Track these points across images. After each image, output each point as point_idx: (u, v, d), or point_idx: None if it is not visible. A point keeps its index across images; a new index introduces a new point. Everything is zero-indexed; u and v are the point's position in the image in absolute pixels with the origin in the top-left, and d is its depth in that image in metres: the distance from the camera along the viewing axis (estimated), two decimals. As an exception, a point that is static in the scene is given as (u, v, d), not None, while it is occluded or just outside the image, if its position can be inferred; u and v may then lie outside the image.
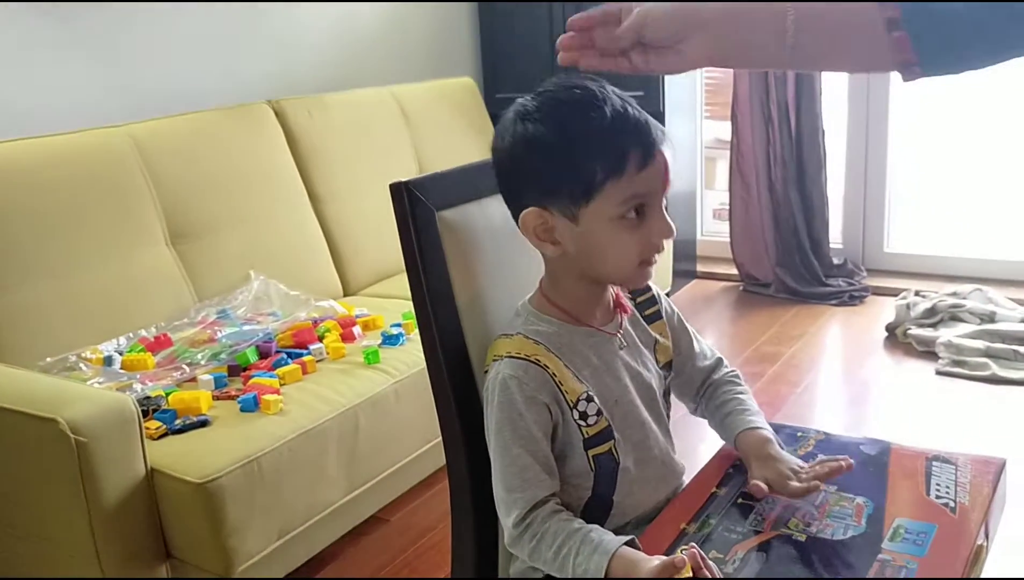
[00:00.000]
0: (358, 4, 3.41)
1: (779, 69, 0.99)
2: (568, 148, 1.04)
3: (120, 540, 1.72)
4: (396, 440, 2.15)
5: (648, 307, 1.25)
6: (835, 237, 4.01)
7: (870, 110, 3.88)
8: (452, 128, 3.39)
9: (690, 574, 0.94)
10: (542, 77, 1.14)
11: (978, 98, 3.91)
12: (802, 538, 1.04)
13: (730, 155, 3.95)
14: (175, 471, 1.75)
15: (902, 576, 0.97)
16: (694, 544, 1.01)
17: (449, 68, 3.81)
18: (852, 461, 1.12)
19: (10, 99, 2.38)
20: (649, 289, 1.26)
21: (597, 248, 1.08)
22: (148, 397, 1.96)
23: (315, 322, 2.38)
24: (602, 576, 0.99)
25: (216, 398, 2.01)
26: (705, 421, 1.31)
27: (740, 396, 1.26)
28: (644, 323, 1.23)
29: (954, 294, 3.46)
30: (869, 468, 1.17)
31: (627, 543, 1.01)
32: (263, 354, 2.21)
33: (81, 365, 2.05)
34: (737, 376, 1.31)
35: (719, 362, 1.31)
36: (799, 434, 1.28)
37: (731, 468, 1.20)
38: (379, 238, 2.86)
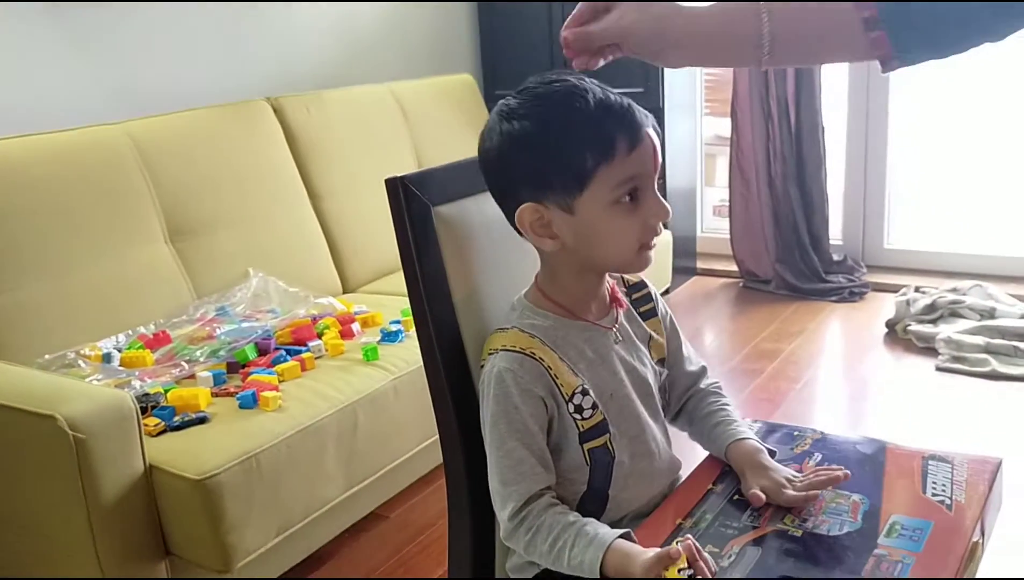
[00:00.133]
0: (358, 3, 3.40)
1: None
2: (555, 140, 1.05)
3: (119, 537, 1.72)
4: (395, 437, 2.15)
5: (644, 304, 1.25)
6: (835, 233, 4.01)
7: (870, 106, 3.88)
8: (451, 125, 3.39)
9: (685, 565, 0.94)
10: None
11: (978, 95, 3.91)
12: (798, 533, 1.04)
13: (730, 152, 3.94)
14: (174, 468, 1.75)
15: (898, 571, 0.97)
16: (689, 536, 1.01)
17: (449, 65, 3.81)
18: (849, 472, 1.12)
19: (9, 97, 2.38)
20: (645, 286, 1.26)
21: (595, 236, 1.08)
22: (147, 394, 1.96)
23: (314, 319, 2.39)
24: (597, 569, 0.99)
25: (215, 395, 2.01)
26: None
27: (727, 407, 1.26)
28: (639, 319, 1.23)
29: (954, 290, 3.46)
30: (865, 467, 1.17)
31: (622, 536, 1.01)
32: (262, 351, 2.21)
33: (80, 362, 2.05)
34: (720, 387, 1.31)
35: (703, 371, 1.31)
36: (795, 433, 1.27)
37: (727, 466, 1.20)
38: (378, 235, 2.86)
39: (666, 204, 1.08)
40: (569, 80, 1.07)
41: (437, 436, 1.22)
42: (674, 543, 0.97)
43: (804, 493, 1.09)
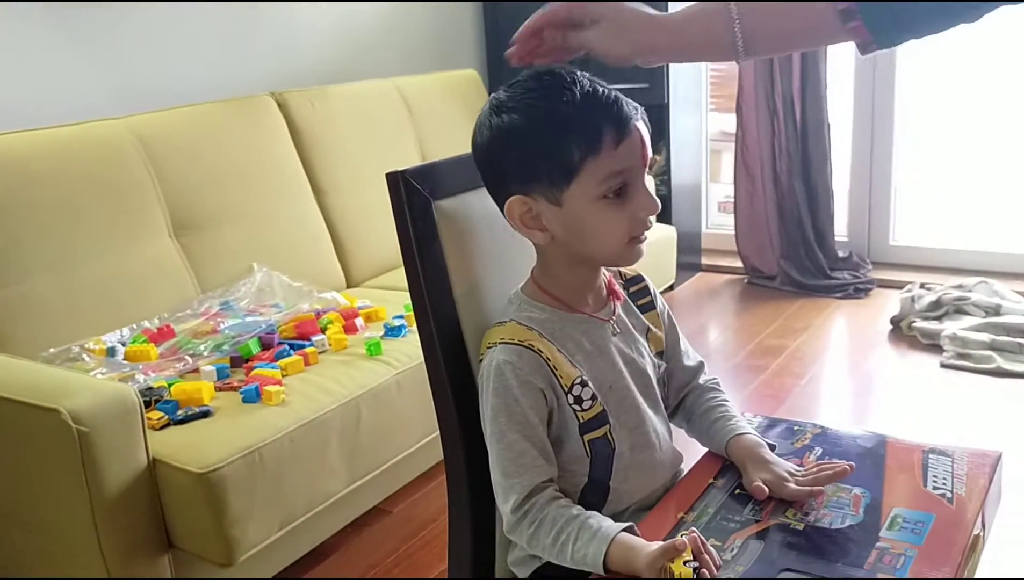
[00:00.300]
0: (361, 3, 3.40)
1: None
2: (542, 133, 1.05)
3: (122, 530, 1.73)
4: (398, 431, 2.16)
5: (641, 297, 1.25)
6: (840, 230, 4.00)
7: (875, 102, 3.87)
8: (456, 121, 3.39)
9: (690, 557, 0.94)
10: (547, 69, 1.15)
11: (983, 91, 3.90)
12: (800, 527, 1.04)
13: (735, 148, 3.94)
14: (177, 461, 1.76)
15: (900, 564, 0.96)
16: (694, 529, 1.01)
17: (453, 61, 3.81)
18: (853, 464, 1.12)
19: (13, 92, 2.39)
20: (643, 280, 1.26)
21: (584, 230, 1.08)
22: (151, 388, 1.97)
23: (317, 314, 2.39)
24: (601, 563, 0.99)
25: (218, 389, 2.01)
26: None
27: (726, 403, 1.26)
28: (637, 311, 1.23)
29: (959, 287, 3.45)
30: (866, 461, 1.17)
31: (626, 530, 1.01)
32: (265, 345, 2.21)
33: (84, 356, 2.05)
34: (718, 383, 1.31)
35: (701, 366, 1.30)
36: (796, 427, 1.27)
37: (727, 461, 1.20)
38: (382, 230, 2.83)
39: (655, 197, 1.08)
40: (560, 72, 1.07)
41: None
42: (679, 535, 0.97)
43: (808, 488, 1.09)
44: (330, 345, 2.24)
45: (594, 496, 1.14)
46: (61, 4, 2.47)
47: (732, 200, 4.03)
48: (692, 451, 1.26)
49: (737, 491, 1.13)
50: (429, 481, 2.36)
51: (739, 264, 4.08)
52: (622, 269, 1.24)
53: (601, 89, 1.06)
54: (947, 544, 0.99)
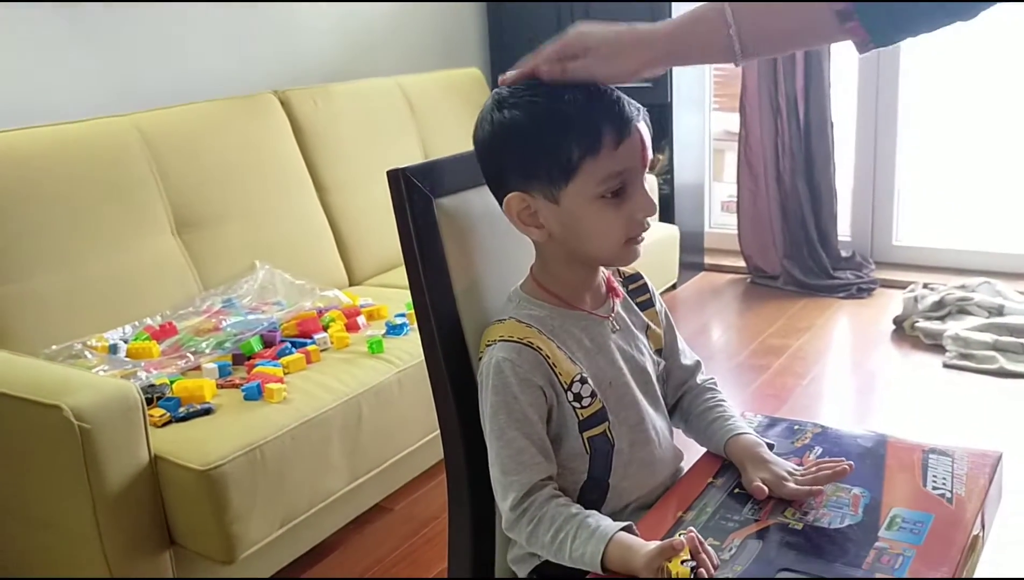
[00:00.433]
0: (364, 2, 3.40)
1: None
2: (543, 130, 1.05)
3: (123, 527, 1.73)
4: (399, 429, 2.16)
5: (640, 294, 1.25)
6: (844, 230, 4.00)
7: (879, 102, 3.86)
8: (458, 119, 3.38)
9: (688, 557, 0.94)
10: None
11: (987, 91, 3.90)
12: (799, 526, 1.04)
13: (738, 147, 3.93)
14: (179, 458, 1.76)
15: (899, 564, 0.96)
16: (692, 528, 1.01)
17: (456, 59, 3.81)
18: (852, 464, 1.12)
19: (17, 89, 2.39)
20: (641, 278, 1.26)
21: (580, 229, 1.08)
22: (153, 385, 1.97)
23: (320, 312, 2.39)
24: (599, 562, 0.99)
25: (220, 386, 2.02)
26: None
27: (723, 403, 1.26)
28: (636, 308, 1.23)
29: (962, 287, 3.44)
30: (866, 460, 1.17)
31: (624, 529, 1.01)
32: (267, 343, 2.22)
33: (86, 353, 2.06)
34: (715, 383, 1.31)
35: (698, 365, 1.30)
36: (795, 427, 1.27)
37: (727, 460, 1.20)
38: (384, 228, 2.81)
39: (653, 199, 1.09)
40: None
41: (440, 429, 1.22)
42: (677, 535, 0.97)
43: (807, 487, 1.09)
44: (332, 343, 2.25)
45: (594, 493, 1.14)
46: (66, 3, 2.47)
47: (735, 199, 4.03)
48: (692, 449, 1.26)
49: (736, 490, 1.13)
50: (431, 479, 2.36)
51: (742, 263, 4.07)
52: (620, 267, 1.24)
53: (603, 89, 1.06)
54: (946, 544, 0.99)
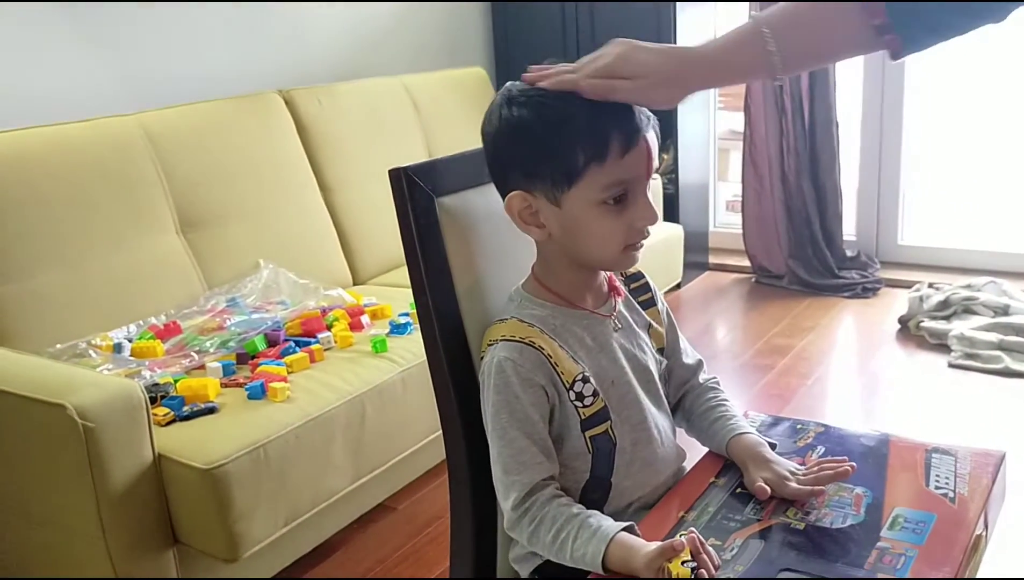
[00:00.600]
0: (369, 1, 3.42)
1: None
2: (550, 133, 1.04)
3: (127, 525, 1.74)
4: (403, 428, 2.16)
5: (642, 293, 1.25)
6: (849, 229, 3.99)
7: (884, 102, 3.85)
8: (463, 118, 3.39)
9: (688, 557, 0.94)
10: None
11: (992, 91, 3.89)
12: (801, 526, 1.04)
13: (743, 146, 3.93)
14: (182, 457, 1.76)
15: (901, 564, 0.96)
16: (693, 529, 1.01)
17: (461, 58, 3.81)
18: (855, 464, 1.12)
19: (23, 87, 2.40)
20: (642, 277, 1.26)
21: (580, 233, 1.08)
22: (157, 384, 1.97)
23: (324, 311, 2.40)
24: (600, 562, 0.99)
25: (224, 385, 2.02)
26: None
27: (725, 403, 1.26)
28: (638, 307, 1.23)
29: (968, 287, 3.43)
30: (868, 460, 1.16)
31: (626, 529, 1.01)
32: (271, 342, 2.22)
33: (91, 352, 2.06)
34: (717, 382, 1.30)
35: (700, 364, 1.30)
36: (798, 426, 1.27)
37: (729, 460, 1.19)
38: (388, 227, 2.80)
39: (655, 209, 1.08)
40: None
41: (442, 428, 1.22)
42: (678, 536, 0.97)
43: (809, 487, 1.09)
44: (336, 342, 2.25)
45: (596, 492, 1.14)
46: (72, 2, 2.48)
47: (740, 199, 4.03)
48: (695, 448, 1.26)
49: (738, 490, 1.12)
50: (434, 478, 2.36)
51: (747, 263, 4.07)
52: None
53: None
54: (948, 544, 0.99)
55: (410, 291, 1.17)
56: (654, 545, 0.97)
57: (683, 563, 0.94)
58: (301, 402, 1.95)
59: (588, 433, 1.12)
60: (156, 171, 2.43)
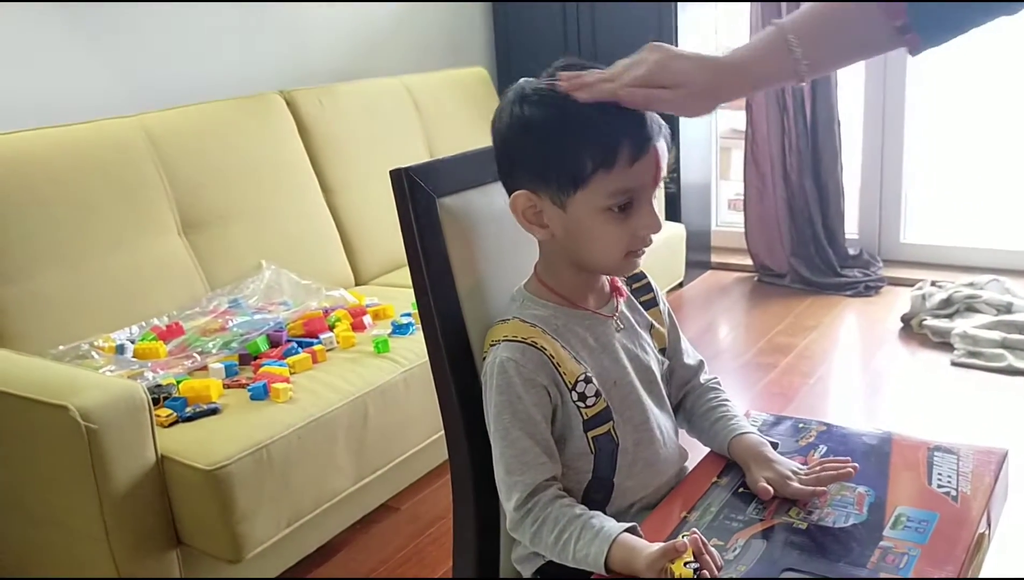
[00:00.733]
0: (370, 1, 3.41)
1: None
2: (560, 136, 1.04)
3: (130, 526, 1.74)
4: (405, 429, 2.16)
5: (644, 294, 1.25)
6: (851, 228, 3.98)
7: (887, 100, 3.85)
8: (464, 118, 3.39)
9: (691, 558, 0.94)
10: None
11: (995, 88, 3.88)
12: (803, 526, 1.04)
13: (745, 145, 3.92)
14: (185, 458, 1.76)
15: (903, 563, 0.96)
16: (695, 529, 1.01)
17: (462, 58, 3.81)
18: (857, 465, 1.12)
19: (24, 90, 2.40)
20: (644, 277, 1.26)
21: (583, 237, 1.08)
22: (159, 385, 1.98)
23: (326, 311, 2.40)
24: (602, 563, 0.99)
25: (227, 386, 2.02)
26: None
27: (727, 403, 1.26)
28: (640, 307, 1.23)
29: (971, 285, 3.43)
30: (871, 458, 1.16)
31: (628, 530, 1.01)
32: (274, 343, 2.22)
33: (93, 353, 2.06)
34: (718, 383, 1.30)
35: (701, 365, 1.30)
36: (800, 425, 1.27)
37: (731, 460, 1.19)
38: (390, 228, 2.80)
39: (659, 218, 1.08)
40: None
41: (445, 428, 1.22)
42: (680, 536, 0.97)
43: (811, 487, 1.09)
44: (338, 343, 2.25)
45: (598, 492, 1.14)
46: (73, 4, 2.48)
47: (742, 198, 4.02)
48: (697, 448, 1.26)
49: (741, 490, 1.12)
50: (437, 478, 2.36)
51: (749, 262, 4.06)
52: None
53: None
54: (951, 543, 0.99)
55: (412, 291, 1.17)
56: (657, 546, 0.97)
57: (685, 564, 0.94)
58: (303, 403, 1.95)
59: (590, 433, 1.12)
60: (158, 172, 2.43)
